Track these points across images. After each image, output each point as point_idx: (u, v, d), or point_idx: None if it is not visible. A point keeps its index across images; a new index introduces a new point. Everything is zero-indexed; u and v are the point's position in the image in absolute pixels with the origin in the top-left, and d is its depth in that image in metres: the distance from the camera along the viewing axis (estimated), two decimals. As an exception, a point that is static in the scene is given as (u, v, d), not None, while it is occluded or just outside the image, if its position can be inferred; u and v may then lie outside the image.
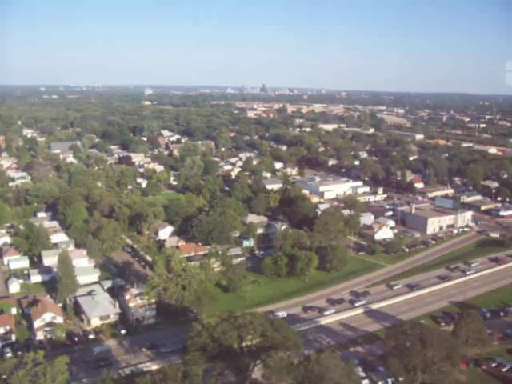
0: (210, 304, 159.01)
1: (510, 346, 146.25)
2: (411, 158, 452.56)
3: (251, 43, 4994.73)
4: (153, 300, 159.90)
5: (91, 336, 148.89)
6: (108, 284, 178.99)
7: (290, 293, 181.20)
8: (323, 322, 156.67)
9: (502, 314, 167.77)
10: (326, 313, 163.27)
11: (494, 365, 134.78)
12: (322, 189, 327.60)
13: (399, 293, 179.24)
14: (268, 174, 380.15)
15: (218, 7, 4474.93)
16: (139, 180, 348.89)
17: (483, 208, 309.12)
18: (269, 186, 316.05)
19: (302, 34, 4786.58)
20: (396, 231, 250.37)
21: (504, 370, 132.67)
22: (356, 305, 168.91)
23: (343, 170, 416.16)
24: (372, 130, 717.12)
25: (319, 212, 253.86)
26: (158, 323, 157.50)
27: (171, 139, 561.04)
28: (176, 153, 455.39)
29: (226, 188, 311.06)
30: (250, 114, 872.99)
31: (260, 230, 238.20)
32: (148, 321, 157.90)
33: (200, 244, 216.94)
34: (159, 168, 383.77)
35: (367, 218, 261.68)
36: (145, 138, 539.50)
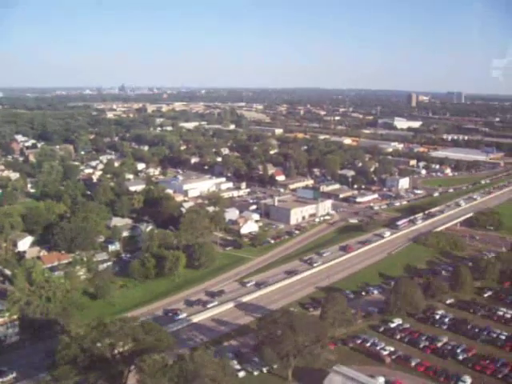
0: (78, 314, 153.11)
1: (373, 323, 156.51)
2: (272, 152, 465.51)
3: (109, 43, 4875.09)
4: (15, 316, 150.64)
5: None
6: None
7: (160, 294, 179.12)
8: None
9: (363, 293, 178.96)
10: (181, 316, 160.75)
11: (359, 341, 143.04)
12: (185, 187, 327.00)
13: (251, 290, 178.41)
14: (131, 176, 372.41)
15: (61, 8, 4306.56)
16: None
17: (342, 196, 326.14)
18: (132, 188, 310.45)
19: (158, 32, 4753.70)
20: (261, 224, 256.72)
21: (368, 344, 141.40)
22: (208, 306, 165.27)
23: (206, 167, 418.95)
24: (233, 127, 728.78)
25: (184, 210, 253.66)
26: (22, 340, 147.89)
27: (26, 144, 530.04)
28: (32, 158, 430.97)
29: (88, 192, 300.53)
30: (110, 115, 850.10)
31: (125, 233, 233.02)
32: (11, 339, 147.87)
33: (63, 252, 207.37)
34: (14, 175, 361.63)
35: (232, 213, 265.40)
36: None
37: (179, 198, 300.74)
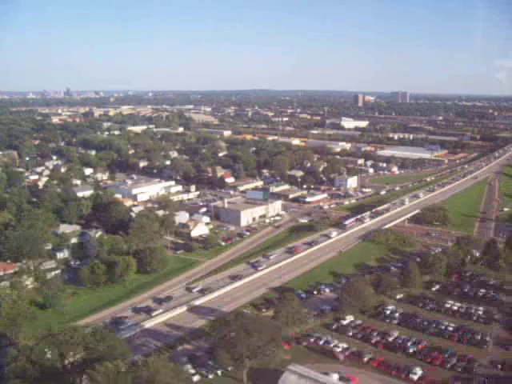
0: (27, 324, 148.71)
1: (325, 321, 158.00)
2: (221, 154, 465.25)
3: (52, 45, 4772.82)
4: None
5: None
6: None
7: (112, 300, 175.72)
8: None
9: (315, 292, 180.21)
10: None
11: (312, 340, 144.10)
12: (134, 191, 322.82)
13: (196, 297, 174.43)
14: (78, 181, 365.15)
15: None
16: None
17: (291, 196, 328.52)
18: (80, 194, 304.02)
19: (103, 34, 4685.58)
20: (211, 226, 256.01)
21: (321, 342, 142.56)
22: (153, 314, 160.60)
23: (155, 171, 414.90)
24: (181, 129, 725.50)
25: (134, 215, 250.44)
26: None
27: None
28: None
29: (34, 199, 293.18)
30: (55, 120, 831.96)
31: (74, 240, 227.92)
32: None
33: (9, 262, 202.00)
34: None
35: (182, 217, 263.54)
36: None
37: (128, 202, 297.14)
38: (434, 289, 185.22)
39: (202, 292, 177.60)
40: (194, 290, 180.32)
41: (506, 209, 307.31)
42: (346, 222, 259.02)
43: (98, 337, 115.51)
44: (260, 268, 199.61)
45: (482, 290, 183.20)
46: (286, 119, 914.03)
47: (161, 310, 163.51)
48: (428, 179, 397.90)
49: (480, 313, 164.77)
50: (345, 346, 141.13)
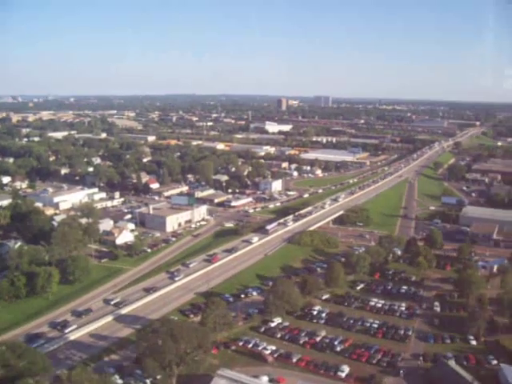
0: None
1: (253, 324, 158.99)
2: (145, 160, 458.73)
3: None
4: None
5: None
6: None
7: (32, 313, 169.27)
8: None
9: (242, 296, 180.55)
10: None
11: (241, 343, 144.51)
12: (56, 200, 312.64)
13: (114, 310, 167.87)
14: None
15: None
16: None
17: (216, 201, 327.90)
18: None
19: (21, 38, 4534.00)
20: (137, 233, 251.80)
21: (250, 346, 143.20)
22: (66, 331, 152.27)
23: (77, 178, 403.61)
24: (104, 135, 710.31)
25: (56, 224, 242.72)
26: None
27: None
28: None
29: None
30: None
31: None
32: None
33: None
34: None
35: (106, 224, 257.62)
36: None
37: (50, 211, 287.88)
38: (358, 288, 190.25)
39: (118, 306, 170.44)
40: (112, 303, 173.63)
41: (432, 207, 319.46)
42: (268, 227, 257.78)
43: (17, 353, 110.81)
44: (177, 278, 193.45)
45: (404, 287, 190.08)
46: (210, 124, 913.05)
47: (75, 326, 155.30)
48: (351, 181, 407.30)
49: (402, 309, 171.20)
50: (273, 348, 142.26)
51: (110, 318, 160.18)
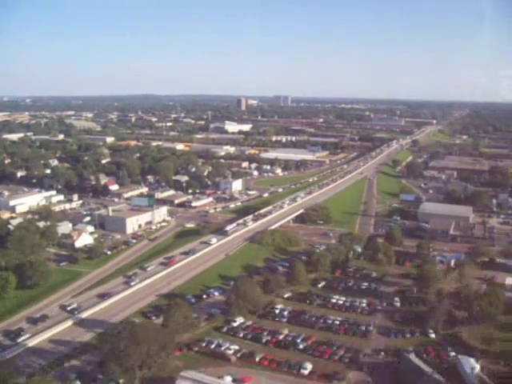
0: None
1: (216, 324, 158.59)
2: (104, 161, 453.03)
3: None
4: None
5: None
6: None
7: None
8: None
9: (204, 296, 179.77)
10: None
11: (204, 344, 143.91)
12: (12, 203, 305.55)
13: (70, 316, 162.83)
14: None
15: None
16: None
17: (177, 201, 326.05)
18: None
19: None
20: (96, 236, 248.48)
21: (213, 346, 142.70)
22: (20, 340, 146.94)
23: (34, 181, 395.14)
24: (62, 137, 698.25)
25: (12, 228, 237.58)
26: None
27: None
28: None
29: None
30: None
31: None
32: None
33: None
34: None
35: (65, 227, 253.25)
36: None
37: (5, 214, 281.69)
38: (320, 285, 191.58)
39: (73, 312, 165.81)
40: (68, 309, 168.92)
41: (394, 204, 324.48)
42: (228, 228, 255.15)
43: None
44: (133, 283, 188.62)
45: (365, 284, 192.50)
46: (169, 124, 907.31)
47: (28, 335, 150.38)
48: (311, 180, 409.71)
49: (364, 305, 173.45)
50: (236, 347, 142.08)
51: (70, 323, 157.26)
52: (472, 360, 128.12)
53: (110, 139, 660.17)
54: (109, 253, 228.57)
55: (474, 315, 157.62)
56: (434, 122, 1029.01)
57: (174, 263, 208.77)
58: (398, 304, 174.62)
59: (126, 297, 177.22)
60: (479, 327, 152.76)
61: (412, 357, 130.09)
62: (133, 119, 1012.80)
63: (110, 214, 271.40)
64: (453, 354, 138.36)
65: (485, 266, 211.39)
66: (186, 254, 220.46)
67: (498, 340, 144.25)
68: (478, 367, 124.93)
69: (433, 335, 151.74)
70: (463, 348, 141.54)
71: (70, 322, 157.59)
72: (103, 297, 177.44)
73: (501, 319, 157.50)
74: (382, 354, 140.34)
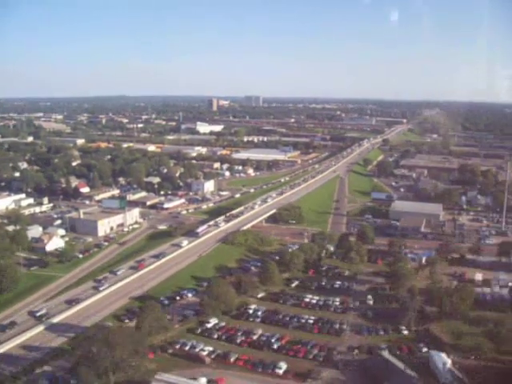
0: None
1: (190, 326, 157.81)
2: (74, 164, 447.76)
3: None
4: None
5: None
6: None
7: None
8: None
9: (178, 298, 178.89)
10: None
11: (178, 346, 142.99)
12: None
13: (40, 322, 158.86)
14: None
15: None
16: None
17: (149, 203, 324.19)
18: None
19: None
20: (67, 239, 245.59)
21: (187, 348, 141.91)
22: None
23: (3, 184, 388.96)
24: (31, 139, 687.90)
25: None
26: None
27: None
28: None
29: None
30: None
31: None
32: None
33: None
34: None
35: (35, 231, 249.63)
36: None
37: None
38: (293, 285, 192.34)
39: (41, 319, 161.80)
40: (37, 315, 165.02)
41: (366, 203, 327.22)
42: (199, 230, 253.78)
43: None
44: (103, 287, 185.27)
45: (338, 282, 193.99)
46: (141, 126, 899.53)
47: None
48: (283, 180, 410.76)
49: (337, 303, 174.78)
50: (210, 349, 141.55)
51: (41, 328, 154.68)
52: (443, 355, 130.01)
53: (80, 141, 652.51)
54: (80, 256, 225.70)
55: (445, 311, 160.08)
56: (405, 121, 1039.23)
57: (143, 267, 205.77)
58: (371, 302, 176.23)
59: (97, 301, 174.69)
60: (450, 322, 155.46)
61: (385, 353, 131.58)
62: (103, 121, 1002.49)
63: (81, 216, 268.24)
64: (425, 349, 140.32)
65: (455, 262, 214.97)
66: (157, 256, 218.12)
67: (468, 334, 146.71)
68: (449, 362, 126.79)
69: (405, 332, 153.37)
70: (435, 343, 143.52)
71: (41, 327, 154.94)
72: (74, 301, 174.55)
73: (471, 314, 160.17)
74: (356, 351, 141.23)
